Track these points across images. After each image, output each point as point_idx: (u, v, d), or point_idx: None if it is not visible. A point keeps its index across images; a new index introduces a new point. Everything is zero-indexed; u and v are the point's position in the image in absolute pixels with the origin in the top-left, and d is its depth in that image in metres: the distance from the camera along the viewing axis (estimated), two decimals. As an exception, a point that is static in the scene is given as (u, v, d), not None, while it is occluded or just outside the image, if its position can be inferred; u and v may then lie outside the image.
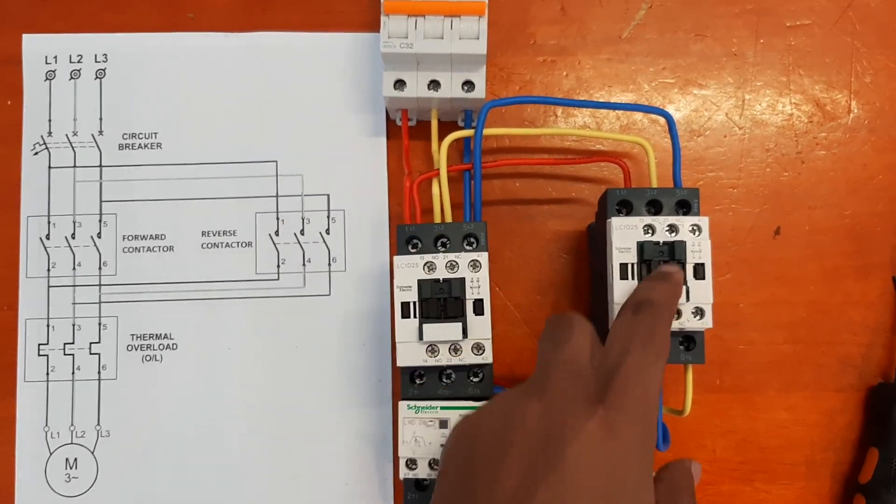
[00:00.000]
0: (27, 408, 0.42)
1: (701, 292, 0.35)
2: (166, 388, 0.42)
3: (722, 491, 0.43)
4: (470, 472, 0.29)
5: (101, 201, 0.43)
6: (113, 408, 0.42)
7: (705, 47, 0.44)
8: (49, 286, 0.43)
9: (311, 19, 0.44)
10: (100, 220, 0.43)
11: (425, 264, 0.36)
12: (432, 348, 0.36)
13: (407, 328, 0.36)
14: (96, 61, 0.44)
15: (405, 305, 0.36)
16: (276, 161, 0.43)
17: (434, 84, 0.40)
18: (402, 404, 0.36)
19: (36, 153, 0.43)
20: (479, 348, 0.36)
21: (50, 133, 0.43)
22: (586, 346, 0.32)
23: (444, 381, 0.37)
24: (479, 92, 0.40)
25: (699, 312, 0.36)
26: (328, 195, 0.43)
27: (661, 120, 0.44)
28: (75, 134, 0.43)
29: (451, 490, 0.29)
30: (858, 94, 0.44)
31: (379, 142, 0.44)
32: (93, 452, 0.42)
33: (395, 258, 0.36)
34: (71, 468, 0.42)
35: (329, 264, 0.43)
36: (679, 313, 0.35)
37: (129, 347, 0.42)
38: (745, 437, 0.43)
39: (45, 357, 0.42)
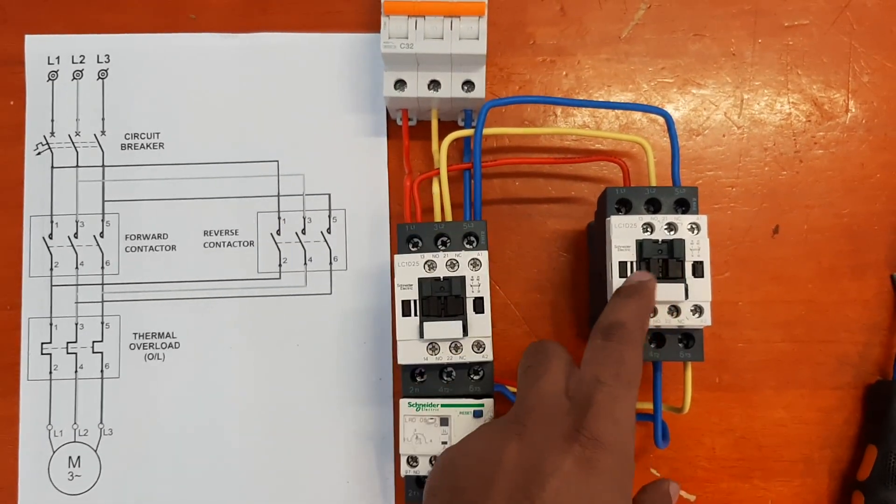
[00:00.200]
0: (30, 406, 0.42)
1: (700, 290, 0.36)
2: (168, 386, 0.42)
3: (720, 488, 0.43)
4: None
5: (103, 201, 0.43)
6: (115, 406, 0.42)
7: (703, 47, 0.45)
8: (52, 285, 0.43)
9: (312, 20, 0.44)
10: (102, 220, 0.43)
11: (426, 263, 0.36)
12: (433, 346, 0.36)
13: (408, 326, 0.36)
14: (98, 62, 0.44)
15: (406, 304, 0.36)
16: (277, 161, 0.44)
17: (434, 84, 0.40)
18: (403, 402, 0.36)
19: (39, 153, 0.44)
20: (479, 346, 0.36)
21: (52, 133, 0.44)
22: (561, 378, 0.33)
23: (445, 378, 0.37)
24: (479, 92, 0.40)
25: (698, 310, 0.36)
26: (329, 195, 0.44)
27: (660, 119, 0.44)
28: (78, 134, 0.44)
29: None
30: (856, 94, 0.45)
31: (379, 141, 0.44)
32: (95, 451, 0.42)
33: (396, 257, 0.36)
34: (74, 466, 0.42)
35: (330, 263, 0.43)
36: (678, 311, 0.36)
37: (132, 346, 0.43)
38: (743, 435, 0.43)
39: (48, 356, 0.43)
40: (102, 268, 0.43)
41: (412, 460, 0.37)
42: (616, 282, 0.36)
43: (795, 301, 0.43)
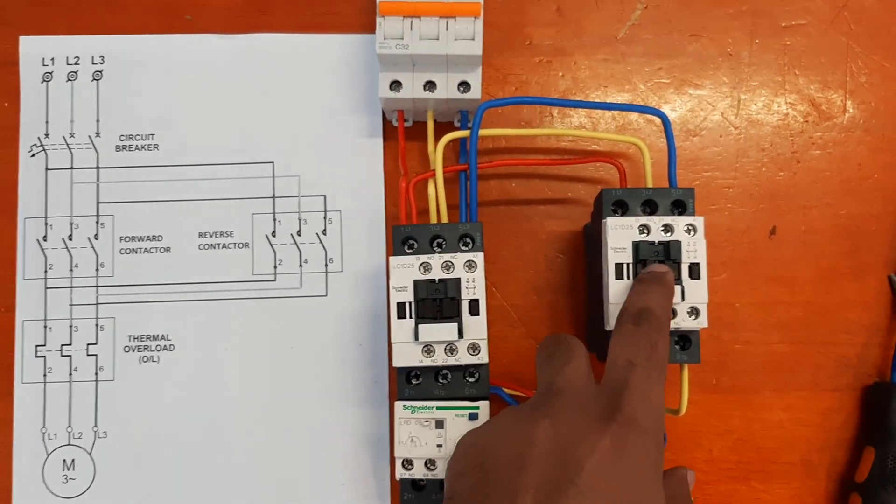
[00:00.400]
0: (24, 409, 0.42)
1: (696, 292, 0.35)
2: (163, 389, 0.42)
3: (719, 490, 0.43)
4: (483, 491, 0.29)
5: (98, 203, 0.43)
6: (110, 409, 0.42)
7: (701, 48, 0.44)
8: (46, 287, 0.43)
9: (308, 21, 0.44)
10: (97, 222, 0.43)
11: (421, 265, 0.36)
12: (428, 349, 0.36)
13: (403, 329, 0.36)
14: (93, 63, 0.44)
15: (401, 306, 0.36)
16: (272, 162, 0.44)
17: (430, 85, 0.40)
18: (399, 405, 0.36)
19: (33, 155, 0.43)
20: (474, 348, 0.36)
21: (47, 135, 0.44)
22: (585, 365, 0.33)
23: (441, 381, 0.37)
24: (475, 93, 0.40)
25: (694, 312, 0.36)
26: (325, 196, 0.43)
27: (657, 120, 0.44)
28: (72, 136, 0.44)
29: None
30: (853, 94, 0.44)
31: (375, 143, 0.44)
32: (90, 454, 0.42)
33: (391, 259, 0.36)
34: (68, 469, 0.42)
35: (326, 265, 0.43)
36: (674, 313, 0.35)
37: (127, 349, 0.43)
38: (741, 437, 0.43)
39: (43, 358, 0.42)
40: (97, 270, 0.43)
41: (407, 463, 0.36)
42: (613, 283, 0.35)
43: (793, 302, 0.43)
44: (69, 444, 0.42)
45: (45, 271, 0.43)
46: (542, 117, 0.44)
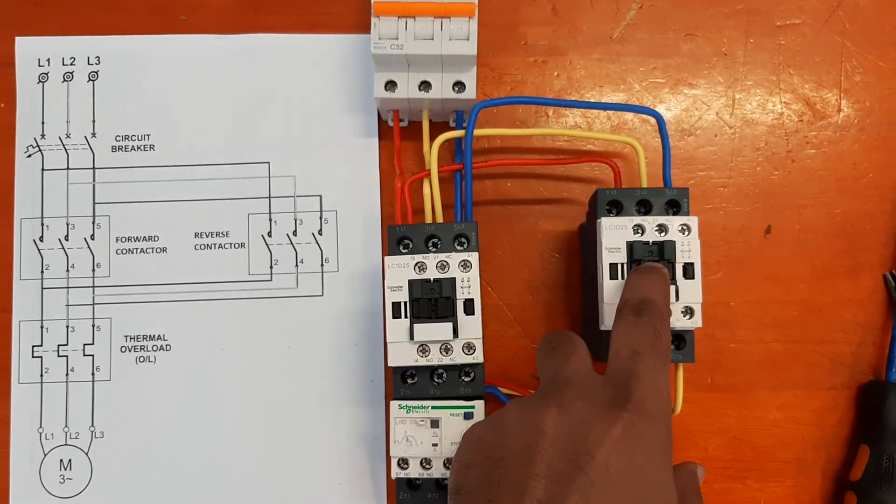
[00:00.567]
0: (21, 409, 0.42)
1: (690, 292, 0.36)
2: (160, 389, 0.42)
3: (714, 489, 0.43)
4: (495, 480, 0.29)
5: (94, 203, 0.43)
6: (107, 409, 0.42)
7: (695, 47, 0.45)
8: (42, 288, 0.43)
9: (303, 21, 0.44)
10: (93, 222, 0.43)
11: (416, 264, 0.36)
12: (423, 348, 0.36)
13: (398, 328, 0.36)
14: (89, 63, 0.44)
15: (396, 305, 0.36)
16: (268, 162, 0.44)
17: (425, 85, 0.40)
18: (394, 404, 0.36)
19: (29, 155, 0.44)
20: (469, 348, 0.36)
21: (43, 135, 0.44)
22: (588, 358, 0.33)
23: (436, 380, 0.37)
24: (470, 93, 0.40)
25: (689, 312, 0.36)
26: (320, 196, 0.43)
27: (652, 119, 0.44)
28: (68, 136, 0.44)
29: (475, 498, 0.29)
30: (848, 93, 0.44)
31: (371, 143, 0.44)
32: (87, 453, 0.42)
33: (386, 258, 0.36)
34: (65, 469, 0.42)
35: (321, 265, 0.43)
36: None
37: (123, 349, 0.43)
38: (736, 436, 0.43)
39: (39, 359, 0.43)
40: (93, 270, 0.43)
41: (403, 462, 0.36)
42: (607, 283, 0.36)
43: (788, 301, 0.43)
44: (66, 444, 0.42)
45: (42, 272, 0.43)
46: (537, 117, 0.44)
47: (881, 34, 0.45)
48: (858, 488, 0.41)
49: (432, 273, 0.36)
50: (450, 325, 0.35)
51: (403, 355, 0.36)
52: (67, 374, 0.42)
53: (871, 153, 0.44)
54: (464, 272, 0.36)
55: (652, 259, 0.35)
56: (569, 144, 0.44)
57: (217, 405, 0.42)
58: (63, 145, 0.44)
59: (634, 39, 0.45)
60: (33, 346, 0.43)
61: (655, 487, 0.28)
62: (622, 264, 0.36)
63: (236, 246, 0.43)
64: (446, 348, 0.36)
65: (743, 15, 0.45)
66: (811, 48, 0.45)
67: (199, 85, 0.44)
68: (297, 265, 0.43)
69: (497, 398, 0.41)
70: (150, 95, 0.44)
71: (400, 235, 0.37)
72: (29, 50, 0.44)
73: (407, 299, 0.36)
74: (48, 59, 0.44)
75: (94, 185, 0.43)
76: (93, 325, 0.43)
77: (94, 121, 0.44)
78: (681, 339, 0.37)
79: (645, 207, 0.37)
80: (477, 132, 0.39)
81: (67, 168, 0.43)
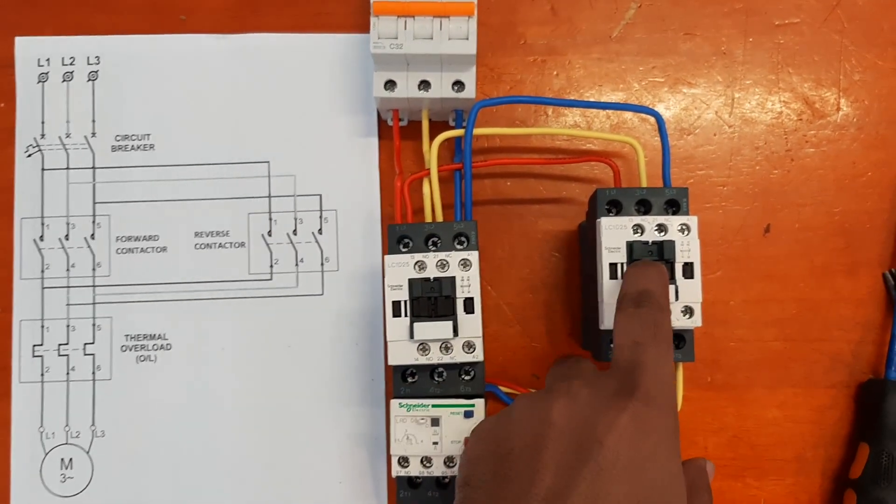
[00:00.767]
0: (22, 409, 0.42)
1: (690, 291, 0.36)
2: (160, 388, 0.42)
3: (713, 487, 0.42)
4: (503, 472, 0.29)
5: (94, 203, 0.43)
6: (107, 408, 0.42)
7: (694, 46, 0.45)
8: (43, 287, 0.43)
9: (302, 21, 0.44)
10: (93, 222, 0.43)
11: (416, 263, 0.36)
12: (423, 347, 0.36)
13: (398, 327, 0.36)
14: (89, 63, 0.44)
15: (396, 304, 0.36)
16: (268, 162, 0.44)
17: (424, 84, 0.40)
18: (394, 402, 0.36)
19: (29, 155, 0.44)
20: (469, 346, 0.36)
21: (43, 135, 0.44)
22: (593, 365, 0.34)
23: (436, 379, 0.37)
24: (469, 92, 0.40)
25: (688, 311, 0.36)
26: (320, 195, 0.44)
27: (651, 119, 0.44)
28: (68, 136, 0.44)
29: (484, 491, 0.29)
30: (847, 92, 0.44)
31: (370, 142, 0.44)
32: (88, 453, 0.42)
33: (386, 257, 0.36)
34: (66, 468, 0.42)
35: (321, 264, 0.43)
36: (669, 311, 0.36)
37: (123, 348, 0.43)
38: (735, 434, 0.43)
39: (40, 358, 0.43)
40: (93, 269, 0.43)
41: (403, 461, 0.37)
42: (607, 283, 0.36)
43: (788, 300, 0.44)
44: (67, 444, 0.42)
45: (42, 271, 0.43)
46: (536, 116, 0.44)
47: (880, 33, 0.45)
48: (858, 486, 0.41)
49: (432, 272, 0.36)
50: (450, 323, 0.35)
51: (403, 354, 0.36)
52: (68, 374, 0.42)
53: (869, 152, 0.44)
54: (463, 271, 0.36)
55: (652, 259, 0.35)
56: (568, 144, 0.44)
57: (217, 404, 0.42)
58: (63, 145, 0.44)
59: (633, 39, 0.45)
60: (34, 346, 0.43)
61: (664, 475, 0.28)
62: (622, 264, 0.36)
63: (236, 245, 0.43)
64: (446, 347, 0.36)
65: (741, 14, 0.45)
66: (810, 47, 0.45)
67: (199, 85, 0.44)
68: (297, 264, 0.43)
69: (497, 397, 0.41)
70: (149, 95, 0.44)
71: (400, 234, 0.37)
72: (29, 50, 0.44)
73: (407, 298, 0.36)
74: (48, 59, 0.44)
75: (94, 185, 0.43)
76: (93, 325, 0.43)
77: (93, 120, 0.44)
78: (680, 338, 0.37)
79: (644, 207, 0.37)
80: (476, 131, 0.39)
81: (67, 168, 0.43)
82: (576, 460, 0.28)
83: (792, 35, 0.45)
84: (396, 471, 0.37)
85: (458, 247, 0.37)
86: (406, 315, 0.36)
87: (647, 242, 0.36)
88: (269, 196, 0.43)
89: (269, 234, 0.43)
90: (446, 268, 0.36)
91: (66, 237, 0.43)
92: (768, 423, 0.43)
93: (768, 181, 0.44)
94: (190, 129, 0.44)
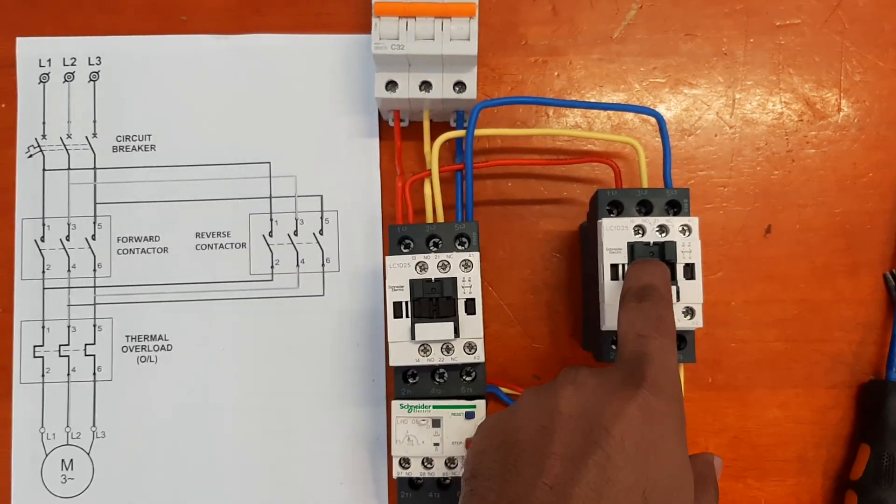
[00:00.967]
0: (23, 409, 0.42)
1: (691, 292, 0.36)
2: (161, 389, 0.42)
3: (715, 487, 0.43)
4: (511, 462, 0.29)
5: (95, 203, 0.43)
6: (108, 409, 0.42)
7: (695, 47, 0.45)
8: (44, 288, 0.43)
9: (303, 21, 0.44)
10: (94, 222, 0.43)
11: (417, 264, 0.36)
12: (424, 348, 0.36)
13: (399, 328, 0.36)
14: (90, 64, 0.44)
15: (397, 305, 0.36)
16: (269, 162, 0.44)
17: (425, 85, 0.40)
18: (395, 403, 0.36)
19: (30, 156, 0.44)
20: (471, 347, 0.36)
21: (44, 136, 0.44)
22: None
23: (437, 380, 0.37)
24: (471, 93, 0.40)
25: (690, 312, 0.36)
26: (321, 196, 0.44)
27: (653, 119, 0.44)
28: (69, 136, 0.44)
29: (492, 481, 0.29)
30: (848, 93, 0.44)
31: (371, 143, 0.44)
32: (88, 453, 0.42)
33: (387, 258, 0.36)
34: (67, 469, 0.42)
35: (323, 265, 0.43)
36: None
37: (124, 349, 0.43)
38: (736, 435, 0.43)
39: (41, 359, 0.43)
40: (94, 270, 0.43)
41: (404, 462, 0.37)
42: (608, 284, 0.36)
43: (789, 300, 0.44)
44: (68, 444, 0.42)
45: (43, 272, 0.43)
46: (537, 117, 0.44)
47: (881, 34, 0.45)
48: (859, 487, 0.41)
49: (433, 273, 0.36)
50: (451, 324, 0.35)
51: (405, 355, 0.36)
52: (69, 374, 0.42)
53: (870, 152, 0.44)
54: (465, 272, 0.36)
55: (652, 259, 0.36)
56: (569, 144, 0.44)
57: (218, 405, 0.42)
58: (64, 145, 0.44)
59: (634, 39, 0.45)
60: (35, 347, 0.43)
61: (671, 463, 0.28)
62: (623, 265, 0.36)
63: (237, 246, 0.43)
64: (447, 348, 0.36)
65: (742, 15, 0.45)
66: (811, 48, 0.45)
67: (200, 85, 0.44)
68: (298, 265, 0.43)
69: (498, 398, 0.41)
70: (150, 96, 0.44)
71: (401, 235, 0.37)
72: (30, 50, 0.44)
73: (408, 299, 0.36)
74: (49, 60, 0.44)
75: (95, 186, 0.43)
76: (94, 326, 0.43)
77: (94, 121, 0.44)
78: (682, 339, 0.37)
79: (646, 208, 0.37)
80: (478, 132, 0.39)
81: (68, 168, 0.43)
82: (584, 448, 0.28)
83: (793, 36, 0.45)
84: (397, 472, 0.37)
85: (460, 247, 0.37)
86: (407, 316, 0.36)
87: (648, 243, 0.36)
88: (271, 197, 0.43)
89: (270, 234, 0.43)
90: (448, 269, 0.36)
91: (67, 238, 0.43)
92: (769, 423, 0.43)
93: (769, 182, 0.44)
94: (191, 129, 0.44)
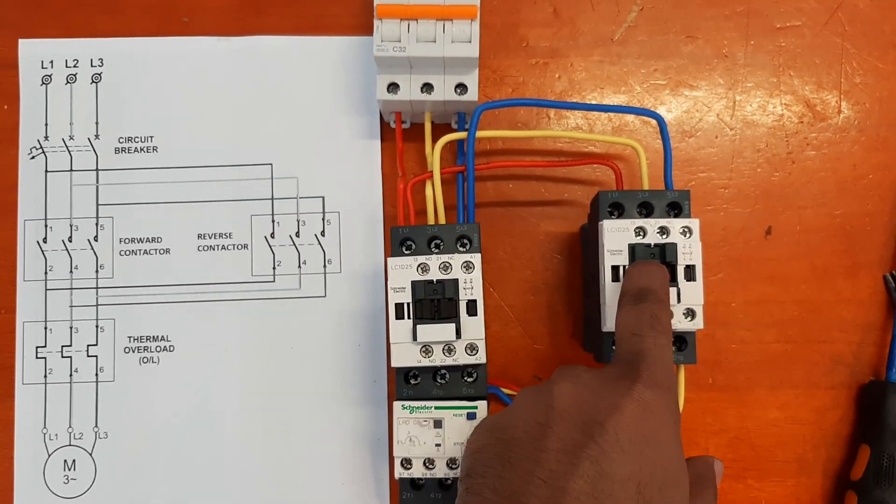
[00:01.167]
0: (25, 410, 0.42)
1: (692, 294, 0.36)
2: (163, 389, 0.43)
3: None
4: (506, 457, 0.29)
5: (97, 205, 0.43)
6: (111, 410, 0.42)
7: (696, 49, 0.45)
8: (46, 289, 0.43)
9: (305, 23, 0.44)
10: (96, 224, 0.43)
11: (419, 266, 0.36)
12: (426, 349, 0.36)
13: (401, 329, 0.36)
14: (92, 66, 0.44)
15: (399, 306, 0.36)
16: (271, 164, 0.44)
17: (427, 87, 0.40)
18: (397, 404, 0.37)
19: (33, 157, 0.44)
20: (472, 348, 0.36)
21: (46, 137, 0.44)
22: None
23: (439, 381, 0.37)
24: (472, 95, 0.40)
25: (690, 313, 0.36)
26: (323, 197, 0.44)
27: (653, 121, 0.44)
28: (72, 138, 0.44)
29: (487, 478, 0.29)
30: (848, 95, 0.45)
31: (373, 144, 0.44)
32: (91, 454, 0.42)
33: (389, 260, 0.36)
34: (69, 470, 0.42)
35: (324, 266, 0.43)
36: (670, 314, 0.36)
37: (127, 350, 0.43)
38: (737, 435, 0.43)
39: (43, 359, 0.43)
40: (97, 271, 0.43)
41: (406, 462, 0.37)
42: (609, 285, 0.36)
43: (789, 301, 0.44)
44: (70, 445, 0.42)
45: (46, 273, 0.43)
46: (538, 119, 0.45)
47: (881, 36, 0.45)
48: (859, 488, 0.41)
49: (435, 274, 0.36)
50: (452, 325, 0.35)
51: (406, 356, 0.36)
52: (71, 375, 0.43)
53: (870, 154, 0.44)
54: (466, 273, 0.36)
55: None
56: (570, 146, 0.44)
57: (220, 406, 0.43)
58: (66, 147, 0.44)
59: (635, 41, 0.45)
60: (37, 347, 0.43)
61: (666, 457, 0.28)
62: (624, 266, 0.36)
63: (239, 247, 0.43)
64: (449, 349, 0.36)
65: (743, 17, 0.45)
66: (811, 50, 0.45)
67: (202, 87, 0.44)
68: (299, 266, 0.43)
69: (499, 398, 0.41)
70: (152, 97, 0.44)
71: (402, 237, 0.37)
72: (32, 52, 0.44)
73: (410, 300, 0.36)
74: (51, 62, 0.44)
75: (97, 187, 0.44)
76: (96, 326, 0.43)
77: (97, 122, 0.44)
78: (682, 340, 0.37)
79: (646, 209, 0.37)
80: (479, 134, 0.39)
81: (71, 170, 0.44)
82: (578, 442, 0.28)
83: (793, 38, 0.45)
84: (399, 472, 0.37)
85: (461, 249, 0.37)
86: (409, 317, 0.36)
87: (649, 245, 0.36)
88: (272, 198, 0.44)
89: (272, 235, 0.43)
90: (449, 270, 0.36)
91: (70, 239, 0.43)
92: (769, 424, 0.43)
93: (769, 183, 0.44)
94: (193, 131, 0.44)
